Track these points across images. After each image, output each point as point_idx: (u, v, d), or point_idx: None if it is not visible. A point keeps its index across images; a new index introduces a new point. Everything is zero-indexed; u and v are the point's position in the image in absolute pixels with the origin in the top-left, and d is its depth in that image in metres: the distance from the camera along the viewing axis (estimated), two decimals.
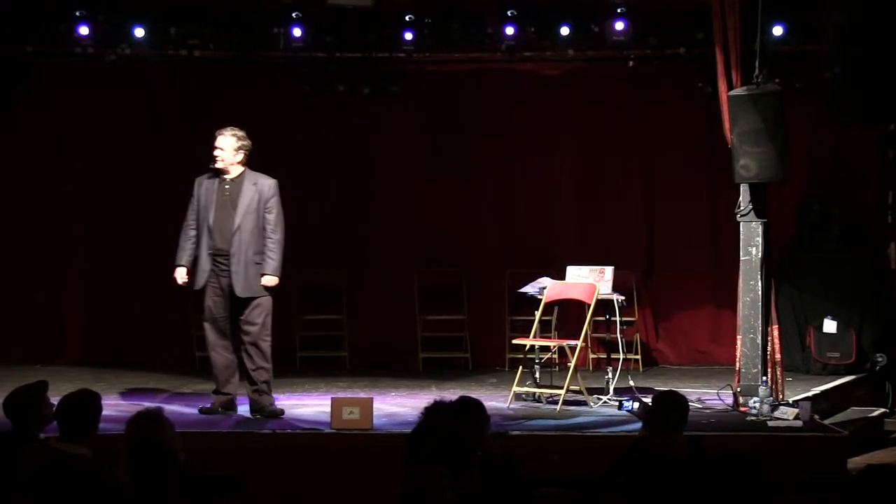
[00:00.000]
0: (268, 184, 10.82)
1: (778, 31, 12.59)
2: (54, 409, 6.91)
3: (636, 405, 10.71)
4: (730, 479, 5.84)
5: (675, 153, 14.58)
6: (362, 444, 9.89)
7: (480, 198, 14.71)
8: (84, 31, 13.27)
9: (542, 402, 11.62)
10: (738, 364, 11.46)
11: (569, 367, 11.55)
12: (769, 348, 11.38)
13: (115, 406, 10.43)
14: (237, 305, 10.72)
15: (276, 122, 14.37)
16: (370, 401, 10.41)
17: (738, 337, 11.49)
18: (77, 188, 14.48)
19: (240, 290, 10.66)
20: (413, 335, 14.37)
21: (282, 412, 10.77)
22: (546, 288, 12.00)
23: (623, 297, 12.23)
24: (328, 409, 10.32)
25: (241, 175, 10.79)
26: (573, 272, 12.22)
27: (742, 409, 11.16)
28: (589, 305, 11.70)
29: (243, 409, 10.88)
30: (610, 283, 12.00)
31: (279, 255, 10.74)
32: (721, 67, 11.36)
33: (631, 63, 14.16)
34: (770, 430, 10.39)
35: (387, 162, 14.57)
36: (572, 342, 11.76)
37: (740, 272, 11.48)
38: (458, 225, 14.68)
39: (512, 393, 11.55)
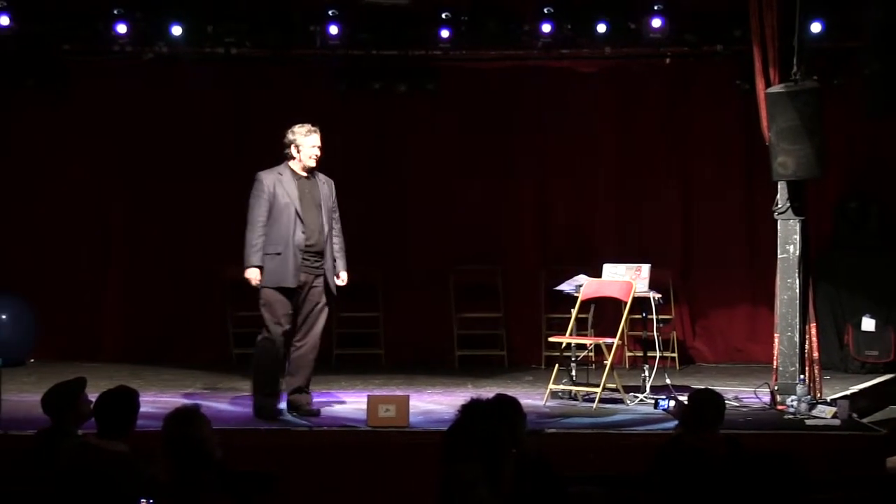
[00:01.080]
0: (332, 182, 10.82)
1: (816, 27, 12.53)
2: (92, 405, 6.94)
3: (672, 404, 10.68)
4: (767, 478, 5.82)
5: (712, 151, 14.54)
6: (398, 441, 9.89)
7: (517, 195, 14.70)
8: (122, 29, 13.32)
9: (578, 400, 11.60)
10: (775, 362, 11.41)
11: (605, 365, 11.52)
12: (807, 346, 11.32)
13: (152, 403, 10.47)
14: (316, 302, 10.66)
15: (312, 119, 14.34)
16: (406, 398, 10.41)
17: (776, 335, 11.44)
18: (116, 186, 14.54)
19: (333, 288, 10.68)
20: (449, 333, 14.38)
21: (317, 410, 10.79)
22: (583, 286, 11.98)
23: (660, 295, 12.20)
24: (364, 407, 10.33)
25: (312, 172, 10.73)
26: (610, 270, 12.19)
27: (779, 407, 11.12)
28: (625, 303, 11.68)
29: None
30: (647, 281, 11.97)
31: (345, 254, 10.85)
32: (759, 64, 11.32)
33: (668, 60, 14.12)
34: (808, 429, 10.34)
35: (423, 159, 14.58)
36: (609, 340, 11.73)
37: (778, 270, 11.43)
38: (495, 222, 14.68)
39: (548, 391, 11.54)
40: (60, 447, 6.67)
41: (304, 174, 10.68)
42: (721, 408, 7.58)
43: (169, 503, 5.83)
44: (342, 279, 10.76)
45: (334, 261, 10.71)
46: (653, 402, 11.11)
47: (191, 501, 5.86)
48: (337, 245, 10.76)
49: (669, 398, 10.94)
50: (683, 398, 10.39)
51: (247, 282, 10.59)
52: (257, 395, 10.67)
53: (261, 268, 10.50)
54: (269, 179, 10.61)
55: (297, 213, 10.53)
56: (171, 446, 6.12)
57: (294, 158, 10.70)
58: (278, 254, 10.47)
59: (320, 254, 10.61)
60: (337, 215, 10.78)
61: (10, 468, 7.33)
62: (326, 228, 10.63)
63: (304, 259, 10.55)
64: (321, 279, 10.64)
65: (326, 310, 10.73)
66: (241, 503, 6.15)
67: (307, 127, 10.73)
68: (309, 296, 10.62)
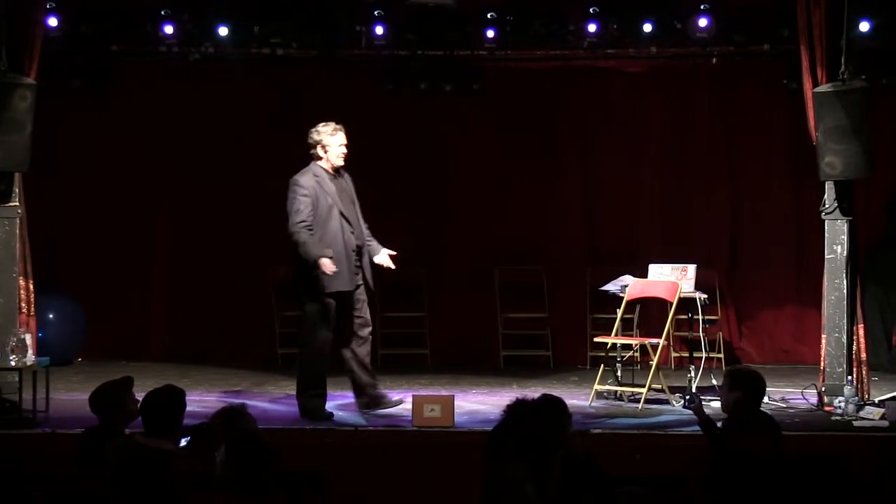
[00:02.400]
0: (349, 176, 10.84)
1: (864, 26, 12.42)
2: (139, 404, 6.98)
3: (693, 401, 10.58)
4: (815, 480, 5.79)
5: (759, 151, 14.48)
6: (444, 441, 9.89)
7: (563, 195, 14.68)
8: (169, 30, 13.38)
9: (623, 401, 11.58)
10: (822, 363, 11.36)
11: (651, 366, 11.50)
12: (854, 347, 11.27)
13: (198, 402, 10.51)
14: (358, 299, 10.70)
15: (358, 119, 14.40)
16: (451, 398, 10.42)
17: (823, 336, 11.39)
18: (162, 186, 14.63)
19: (372, 285, 10.76)
20: (494, 333, 14.37)
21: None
22: (628, 286, 11.95)
23: (706, 296, 12.15)
24: (410, 407, 10.35)
25: (338, 170, 10.74)
26: (655, 270, 12.16)
27: (827, 408, 11.06)
28: (671, 304, 11.64)
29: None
30: (692, 281, 11.92)
31: None
32: (806, 64, 11.26)
33: (714, 60, 14.06)
34: (855, 430, 10.29)
35: (469, 159, 14.58)
36: (654, 340, 11.70)
37: (825, 271, 11.37)
38: (540, 222, 14.66)
39: (594, 391, 11.52)
40: (108, 446, 6.70)
41: (334, 173, 10.67)
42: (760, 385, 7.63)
43: (229, 500, 5.85)
44: (390, 253, 10.78)
45: (370, 253, 10.72)
46: (682, 401, 11.11)
47: (251, 499, 5.88)
48: (369, 233, 10.80)
49: (688, 398, 10.93)
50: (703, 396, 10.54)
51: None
52: (304, 397, 10.67)
53: (328, 257, 10.37)
54: (308, 181, 10.55)
55: (341, 213, 10.53)
56: (229, 444, 6.13)
57: (321, 159, 10.67)
58: (331, 257, 10.41)
59: (360, 251, 10.65)
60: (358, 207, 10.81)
61: (58, 467, 7.37)
62: (362, 225, 10.69)
63: (352, 260, 10.60)
64: (361, 276, 10.69)
65: (367, 305, 10.79)
66: (293, 499, 6.16)
67: (332, 126, 10.72)
68: (357, 294, 10.65)
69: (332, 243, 10.45)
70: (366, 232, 10.78)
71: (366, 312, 10.75)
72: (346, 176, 10.78)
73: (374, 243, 10.78)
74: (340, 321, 10.62)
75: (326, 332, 10.56)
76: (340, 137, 10.65)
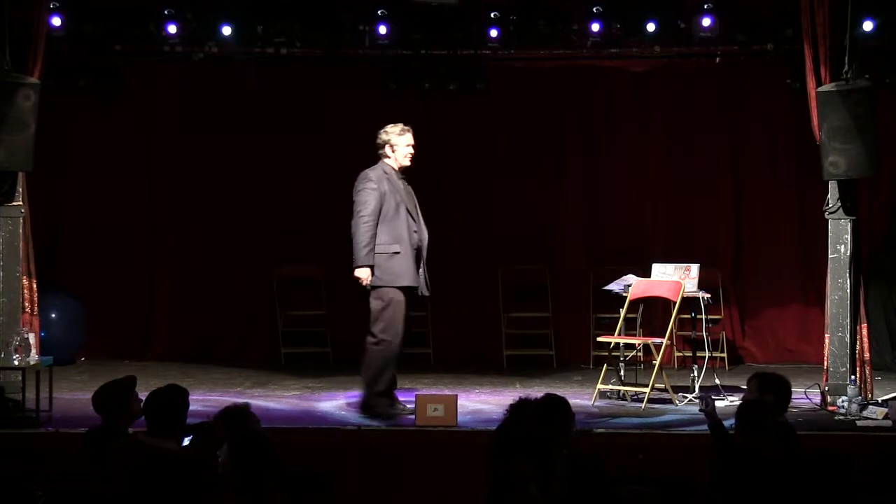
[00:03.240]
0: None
1: (868, 26, 12.40)
2: (142, 404, 6.98)
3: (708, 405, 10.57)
4: (819, 478, 5.79)
5: (763, 150, 14.49)
6: (447, 441, 9.89)
7: (566, 195, 14.68)
8: (172, 29, 13.39)
9: (626, 400, 11.58)
10: (826, 363, 11.35)
11: (654, 365, 11.50)
12: (858, 347, 11.26)
13: (202, 401, 10.51)
14: (410, 299, 10.75)
15: (362, 118, 14.43)
16: (455, 398, 10.42)
17: (827, 335, 11.38)
18: (166, 186, 14.63)
19: (429, 289, 10.82)
20: (497, 332, 14.37)
21: None
22: (631, 285, 11.95)
23: (709, 295, 12.16)
24: (413, 406, 10.35)
25: (403, 171, 10.81)
26: (659, 270, 12.15)
27: (830, 408, 11.05)
28: (674, 303, 11.64)
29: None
30: (696, 281, 11.92)
31: None
32: (810, 63, 11.26)
33: (718, 60, 14.05)
34: (859, 430, 10.28)
35: (472, 158, 14.58)
36: (657, 340, 11.70)
37: (828, 270, 11.37)
38: (544, 222, 14.67)
39: (597, 391, 11.52)
40: (111, 445, 6.71)
41: (400, 173, 10.74)
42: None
43: (232, 500, 5.86)
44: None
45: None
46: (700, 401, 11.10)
47: (253, 499, 5.88)
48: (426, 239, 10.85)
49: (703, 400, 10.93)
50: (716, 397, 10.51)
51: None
52: (368, 392, 10.71)
53: (371, 267, 10.50)
54: (377, 176, 10.67)
55: (408, 211, 10.63)
56: (233, 444, 6.14)
57: (389, 158, 10.74)
58: (397, 253, 10.54)
59: (420, 253, 10.70)
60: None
61: (61, 466, 7.38)
62: (423, 226, 10.75)
63: (418, 259, 10.67)
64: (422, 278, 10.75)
65: None
66: (294, 500, 6.16)
67: (400, 126, 10.79)
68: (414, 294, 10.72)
69: (396, 239, 10.56)
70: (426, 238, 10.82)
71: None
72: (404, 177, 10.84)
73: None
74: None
75: (397, 327, 10.61)
76: (408, 138, 10.74)
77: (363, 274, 10.49)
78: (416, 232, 10.64)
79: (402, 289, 10.59)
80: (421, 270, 10.72)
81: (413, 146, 10.73)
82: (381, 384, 10.65)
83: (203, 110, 14.48)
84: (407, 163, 10.72)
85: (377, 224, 10.53)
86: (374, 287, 10.58)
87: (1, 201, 11.41)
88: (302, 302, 14.39)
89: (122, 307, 14.50)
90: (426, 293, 10.83)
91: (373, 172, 10.67)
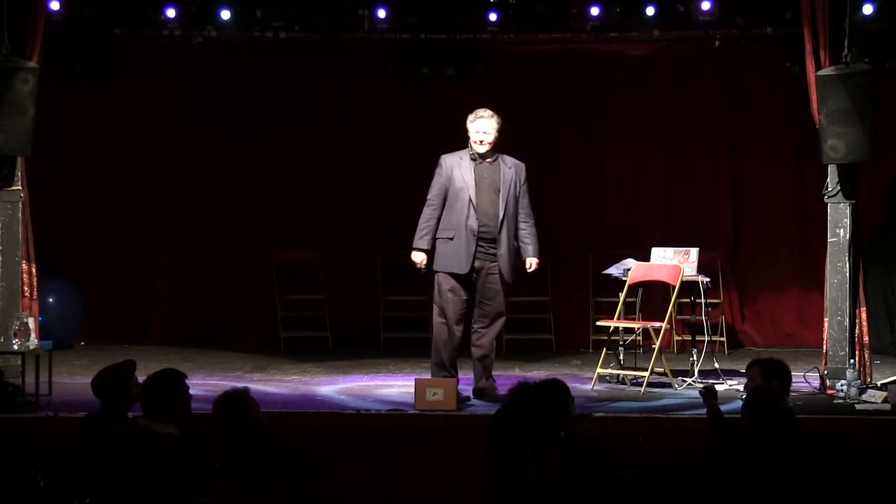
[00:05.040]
0: (521, 167, 10.87)
1: (868, 9, 12.41)
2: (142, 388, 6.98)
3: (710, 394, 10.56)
4: (819, 461, 5.79)
5: (762, 134, 14.48)
6: (446, 425, 9.90)
7: (565, 179, 14.68)
8: (171, 13, 13.40)
9: (626, 385, 11.59)
10: (825, 346, 11.36)
11: (653, 349, 11.50)
12: (857, 331, 11.27)
13: (202, 385, 10.52)
14: (493, 289, 10.72)
15: (360, 103, 14.44)
16: (454, 382, 10.43)
17: (826, 319, 11.39)
18: (165, 170, 14.62)
19: (507, 275, 10.69)
20: None
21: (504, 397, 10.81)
22: (630, 269, 11.95)
23: (708, 279, 12.18)
24: (412, 390, 10.37)
25: (496, 157, 10.78)
26: (658, 254, 12.16)
27: (829, 392, 11.07)
28: (674, 287, 11.65)
29: None
30: (695, 265, 11.93)
31: (537, 238, 10.86)
32: (809, 47, 11.25)
33: (717, 43, 14.06)
34: (858, 414, 10.29)
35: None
36: (657, 324, 11.70)
37: (828, 254, 11.37)
38: (543, 206, 14.55)
39: (596, 375, 11.53)
40: (110, 430, 6.71)
41: (485, 159, 10.73)
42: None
43: (221, 486, 5.84)
44: (530, 265, 10.80)
45: (518, 247, 10.73)
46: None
47: (244, 485, 5.87)
48: (524, 231, 10.79)
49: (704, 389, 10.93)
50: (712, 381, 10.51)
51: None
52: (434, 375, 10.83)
53: (427, 252, 10.68)
54: (448, 162, 10.79)
55: (470, 198, 10.61)
56: (223, 430, 6.13)
57: (470, 144, 10.79)
58: (451, 238, 10.63)
59: (494, 240, 10.65)
60: (525, 200, 10.80)
61: (60, 450, 7.37)
62: (501, 214, 10.64)
63: (478, 245, 10.62)
64: (496, 265, 10.67)
65: (501, 296, 10.77)
66: (291, 487, 6.15)
67: (475, 112, 10.84)
68: (487, 282, 10.70)
69: (452, 225, 10.64)
70: (525, 229, 10.78)
71: (491, 301, 10.73)
72: (510, 164, 10.81)
73: (528, 245, 10.79)
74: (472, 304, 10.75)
75: (450, 312, 10.69)
76: (477, 125, 10.75)
77: (415, 257, 10.77)
78: (476, 218, 10.60)
79: (457, 276, 10.64)
80: (500, 260, 10.64)
81: (484, 132, 10.70)
82: (437, 367, 10.78)
83: (201, 94, 14.46)
84: (479, 149, 10.72)
85: (440, 208, 10.72)
86: (435, 272, 10.76)
87: (0, 186, 11.41)
88: (301, 286, 14.39)
89: (122, 291, 14.50)
90: (507, 279, 10.74)
91: (446, 157, 10.84)
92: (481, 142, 10.70)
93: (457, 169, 10.71)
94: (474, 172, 10.69)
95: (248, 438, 6.08)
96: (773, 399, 7.34)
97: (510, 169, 10.75)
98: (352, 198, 14.55)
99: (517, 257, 10.79)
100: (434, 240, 10.72)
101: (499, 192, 10.68)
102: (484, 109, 10.79)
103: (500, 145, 10.86)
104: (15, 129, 11.12)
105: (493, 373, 11.00)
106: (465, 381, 11.07)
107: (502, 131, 10.81)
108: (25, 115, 11.12)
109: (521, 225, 10.79)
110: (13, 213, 11.43)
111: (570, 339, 14.36)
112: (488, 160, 10.73)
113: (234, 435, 6.07)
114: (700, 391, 7.91)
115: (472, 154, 10.75)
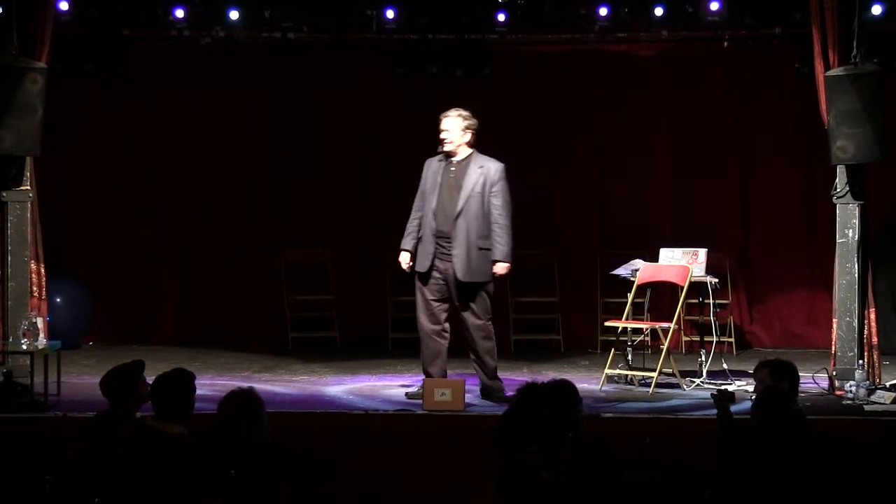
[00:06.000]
0: (494, 167, 10.71)
1: (877, 9, 12.37)
2: (150, 388, 6.98)
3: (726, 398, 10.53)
4: (828, 461, 5.78)
5: (771, 135, 14.46)
6: (454, 425, 9.90)
7: (574, 179, 14.67)
8: (179, 13, 13.41)
9: (634, 385, 11.59)
10: (833, 347, 11.35)
11: (661, 350, 11.50)
12: (866, 331, 11.26)
13: (210, 386, 10.52)
14: (458, 290, 10.67)
15: (369, 103, 14.44)
16: (462, 382, 10.44)
17: (834, 320, 11.38)
18: (173, 170, 14.63)
19: (462, 275, 10.59)
20: (505, 317, 14.34)
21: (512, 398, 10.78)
22: (639, 270, 11.95)
23: (717, 280, 12.17)
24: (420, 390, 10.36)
25: (468, 157, 10.73)
26: (666, 254, 12.16)
27: (838, 392, 11.06)
28: (682, 288, 11.64)
29: None
30: (703, 266, 11.93)
31: (508, 241, 10.63)
32: (818, 47, 11.23)
33: (726, 44, 14.04)
34: (866, 415, 10.29)
35: (479, 143, 14.49)
36: (665, 325, 11.70)
37: (836, 254, 11.36)
38: (551, 206, 14.65)
39: (604, 375, 11.52)
40: (119, 430, 6.71)
41: (452, 158, 10.74)
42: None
43: (223, 487, 5.85)
44: (497, 268, 10.64)
45: (481, 249, 10.61)
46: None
47: (246, 485, 5.87)
48: (494, 233, 10.61)
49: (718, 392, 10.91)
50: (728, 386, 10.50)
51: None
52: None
53: (411, 252, 10.76)
54: (427, 165, 10.87)
55: (432, 198, 10.66)
56: (225, 429, 6.13)
57: None
58: (421, 238, 10.71)
59: (450, 238, 10.60)
60: (499, 202, 10.62)
61: (69, 450, 7.38)
62: (457, 213, 10.58)
63: (438, 245, 10.65)
64: (450, 264, 10.66)
65: (472, 297, 10.69)
66: (297, 487, 6.15)
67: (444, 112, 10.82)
68: (454, 284, 10.68)
69: (423, 225, 10.69)
70: (494, 230, 10.61)
71: (460, 302, 10.70)
72: (480, 163, 10.73)
73: (495, 248, 10.63)
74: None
75: (419, 313, 10.79)
76: (441, 124, 10.77)
77: (400, 258, 10.82)
78: (434, 216, 10.62)
79: (421, 275, 10.70)
80: (454, 259, 10.60)
81: (445, 130, 10.73)
82: (424, 364, 10.84)
83: (210, 94, 14.47)
84: (445, 148, 10.74)
85: (422, 209, 10.76)
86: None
87: (9, 186, 11.44)
88: (310, 286, 14.39)
89: (131, 291, 14.51)
90: (458, 277, 10.65)
91: (430, 160, 10.89)
92: (443, 140, 10.69)
93: (430, 170, 10.76)
94: (441, 172, 10.70)
95: (253, 438, 6.09)
96: (783, 400, 7.32)
97: (479, 168, 10.66)
98: (360, 198, 14.55)
99: (484, 259, 10.63)
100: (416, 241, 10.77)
101: (459, 190, 10.62)
102: (454, 108, 10.80)
103: (479, 144, 10.80)
104: (24, 129, 11.14)
105: (501, 374, 10.98)
106: (472, 381, 11.07)
107: (475, 129, 10.77)
108: (34, 116, 11.14)
109: (493, 227, 10.62)
110: (22, 213, 11.44)
111: (579, 339, 14.35)
112: (456, 159, 10.71)
113: (239, 434, 6.07)
114: (713, 394, 7.87)
115: (441, 154, 10.74)
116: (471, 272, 10.58)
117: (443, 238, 10.61)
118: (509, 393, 10.46)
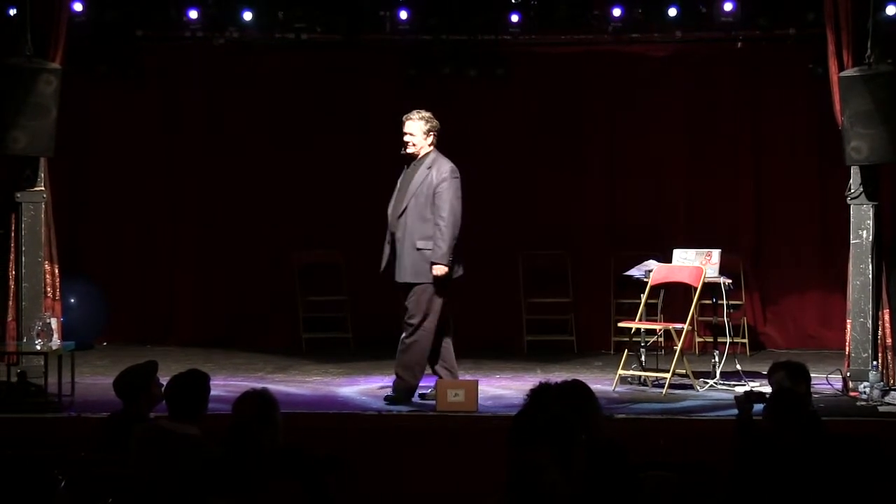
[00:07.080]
0: (443, 168, 10.61)
1: (891, 10, 12.31)
2: (163, 388, 7.00)
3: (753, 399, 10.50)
4: (843, 462, 5.77)
5: (784, 135, 14.43)
6: (467, 426, 9.89)
7: (587, 180, 14.65)
8: (193, 15, 13.43)
9: (647, 386, 11.57)
10: (847, 348, 11.33)
11: (675, 351, 11.48)
12: (880, 332, 11.24)
13: (223, 386, 10.53)
14: (402, 291, 10.67)
15: (381, 104, 14.43)
16: (475, 383, 10.43)
17: (848, 321, 11.35)
18: (186, 171, 14.64)
19: (398, 276, 10.60)
20: (518, 318, 14.35)
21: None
22: (652, 271, 11.93)
23: (730, 281, 12.14)
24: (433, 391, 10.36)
25: (423, 158, 10.68)
26: (680, 255, 12.14)
27: (852, 393, 11.03)
28: (695, 289, 11.62)
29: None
30: (717, 266, 11.90)
31: (447, 243, 10.48)
32: (832, 48, 11.22)
33: (739, 44, 14.03)
34: (880, 416, 10.27)
35: (492, 144, 14.54)
36: (678, 325, 11.68)
37: (850, 255, 11.34)
38: (564, 207, 14.63)
39: (617, 376, 11.51)
40: (133, 430, 6.72)
41: (411, 160, 10.73)
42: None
43: (236, 487, 5.85)
44: (434, 270, 10.50)
45: (418, 250, 10.54)
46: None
47: (258, 485, 5.88)
48: (434, 232, 10.51)
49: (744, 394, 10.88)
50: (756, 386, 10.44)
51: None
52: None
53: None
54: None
55: (392, 200, 10.70)
56: (239, 430, 6.14)
57: None
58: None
59: (398, 239, 10.62)
60: (439, 202, 10.51)
61: (83, 451, 7.40)
62: (400, 212, 10.59)
63: (392, 245, 10.68)
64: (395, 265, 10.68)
65: (415, 298, 10.60)
66: (310, 487, 6.15)
67: None
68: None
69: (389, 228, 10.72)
70: (434, 232, 10.52)
71: (411, 305, 10.62)
72: (428, 164, 10.66)
73: (434, 247, 10.52)
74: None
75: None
76: (404, 127, 10.73)
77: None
78: (389, 218, 10.69)
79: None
80: (399, 260, 10.63)
81: (406, 132, 10.67)
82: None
83: (224, 95, 14.50)
84: (407, 151, 10.70)
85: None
86: None
87: (23, 186, 11.47)
88: (323, 287, 14.39)
89: (144, 292, 14.54)
90: (399, 279, 10.66)
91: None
92: (406, 143, 10.68)
93: (401, 175, 10.77)
94: (403, 176, 10.72)
95: (266, 439, 6.09)
96: (799, 401, 7.31)
97: (428, 169, 10.60)
98: (373, 199, 14.50)
99: (420, 260, 10.53)
100: None
101: (410, 193, 10.60)
102: (415, 110, 10.78)
103: (441, 145, 10.78)
104: (38, 131, 11.16)
105: (516, 373, 10.97)
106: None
107: (437, 131, 10.75)
108: (48, 117, 11.16)
109: (434, 228, 10.52)
110: (36, 214, 11.47)
111: (592, 340, 14.34)
112: (416, 161, 10.69)
113: (252, 435, 6.08)
114: (744, 393, 7.81)
115: (415, 157, 10.73)
116: (403, 272, 10.58)
117: (394, 239, 10.66)
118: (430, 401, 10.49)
